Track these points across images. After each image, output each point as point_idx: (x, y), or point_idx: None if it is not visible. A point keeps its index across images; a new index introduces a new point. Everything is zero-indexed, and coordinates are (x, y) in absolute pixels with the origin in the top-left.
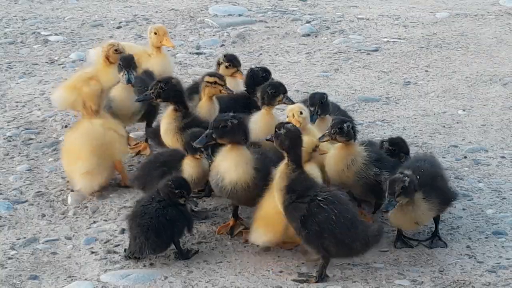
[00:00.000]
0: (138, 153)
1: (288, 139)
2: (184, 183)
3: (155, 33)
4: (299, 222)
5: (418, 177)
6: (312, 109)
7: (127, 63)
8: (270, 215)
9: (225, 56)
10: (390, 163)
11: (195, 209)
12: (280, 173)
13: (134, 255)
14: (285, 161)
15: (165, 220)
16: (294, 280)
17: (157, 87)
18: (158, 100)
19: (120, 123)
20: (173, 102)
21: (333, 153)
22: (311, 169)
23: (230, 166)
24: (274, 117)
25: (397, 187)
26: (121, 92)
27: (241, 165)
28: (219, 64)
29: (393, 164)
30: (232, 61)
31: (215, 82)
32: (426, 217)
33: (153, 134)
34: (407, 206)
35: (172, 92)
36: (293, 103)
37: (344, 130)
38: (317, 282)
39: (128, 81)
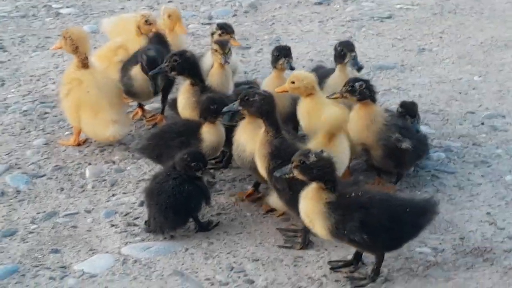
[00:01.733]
0: (154, 125)
1: (264, 104)
2: (200, 156)
3: (169, 17)
4: (286, 183)
5: (353, 194)
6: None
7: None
8: None
9: (217, 24)
10: (417, 136)
11: (211, 180)
12: (261, 140)
13: (154, 233)
14: (263, 128)
15: (182, 197)
16: (280, 246)
17: (171, 60)
18: (172, 73)
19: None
20: (188, 75)
21: (353, 113)
22: (340, 142)
23: (250, 137)
24: (284, 80)
25: (296, 158)
26: (141, 72)
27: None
28: (212, 34)
29: (420, 138)
30: (224, 28)
31: (215, 50)
32: (311, 213)
33: (173, 106)
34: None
35: (186, 65)
36: (292, 69)
37: (355, 88)
38: (301, 248)
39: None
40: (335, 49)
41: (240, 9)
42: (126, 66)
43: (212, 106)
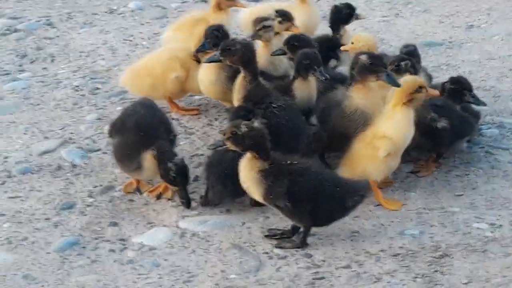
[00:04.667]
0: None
1: (244, 52)
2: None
3: None
4: None
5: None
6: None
7: None
8: (356, 156)
9: (276, 11)
10: (454, 113)
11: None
12: (237, 85)
13: (211, 203)
14: (242, 74)
15: None
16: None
17: (212, 35)
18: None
19: None
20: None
21: (391, 91)
22: (401, 115)
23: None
24: None
25: (227, 129)
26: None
27: None
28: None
29: (458, 114)
30: (285, 15)
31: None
32: (247, 181)
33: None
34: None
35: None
36: None
37: (401, 68)
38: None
39: None
40: None
41: None
42: None
43: (305, 61)
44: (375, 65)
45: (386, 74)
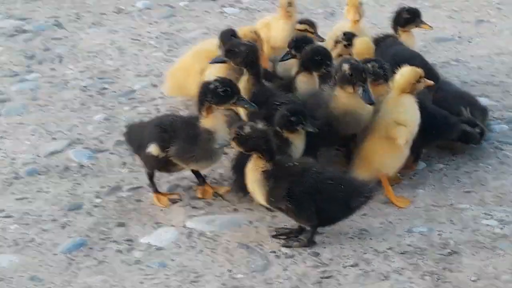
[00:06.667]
0: None
1: (248, 54)
2: (299, 109)
3: None
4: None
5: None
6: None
7: None
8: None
9: (344, 34)
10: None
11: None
12: (241, 88)
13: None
14: (246, 76)
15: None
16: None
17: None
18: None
19: None
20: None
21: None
22: (408, 101)
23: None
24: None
25: (232, 130)
26: None
27: None
28: (337, 42)
29: (430, 114)
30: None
31: (306, 30)
32: (251, 182)
33: None
34: None
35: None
36: None
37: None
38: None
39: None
40: None
41: None
42: None
43: (317, 57)
44: (354, 78)
45: (363, 90)
